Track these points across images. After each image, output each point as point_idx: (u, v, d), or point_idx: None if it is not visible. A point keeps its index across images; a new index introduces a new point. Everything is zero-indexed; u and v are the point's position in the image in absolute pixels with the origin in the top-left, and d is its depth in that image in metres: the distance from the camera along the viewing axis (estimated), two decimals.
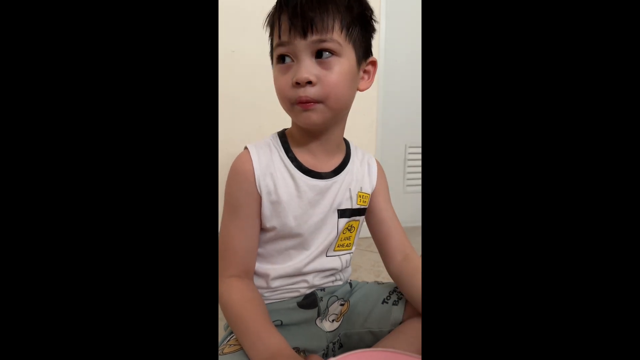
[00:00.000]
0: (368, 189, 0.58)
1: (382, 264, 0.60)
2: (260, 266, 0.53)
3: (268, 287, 0.54)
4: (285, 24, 0.45)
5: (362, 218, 0.59)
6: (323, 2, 0.44)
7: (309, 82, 0.45)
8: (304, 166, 0.52)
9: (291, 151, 0.53)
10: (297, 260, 0.53)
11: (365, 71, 0.52)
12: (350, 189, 0.55)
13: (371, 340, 0.55)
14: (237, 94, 1.22)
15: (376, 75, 0.55)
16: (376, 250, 0.61)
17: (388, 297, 0.57)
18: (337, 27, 0.45)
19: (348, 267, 0.61)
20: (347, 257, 0.59)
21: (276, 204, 0.50)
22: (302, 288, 0.55)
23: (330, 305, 0.58)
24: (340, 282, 0.60)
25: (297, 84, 0.45)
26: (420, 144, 1.60)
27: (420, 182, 1.60)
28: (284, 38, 0.46)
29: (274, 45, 0.49)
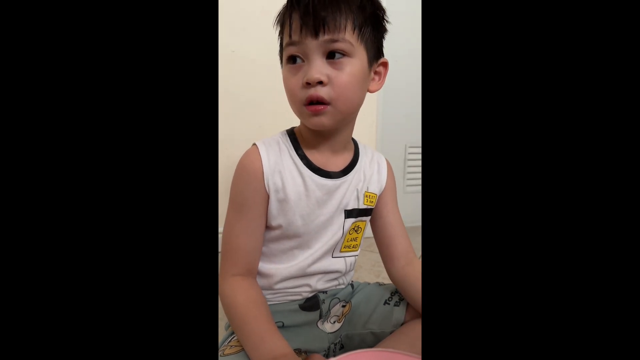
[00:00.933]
0: (376, 189, 0.57)
1: (382, 264, 0.60)
2: (263, 266, 0.53)
3: (271, 289, 0.53)
4: (296, 23, 0.45)
5: (368, 219, 0.59)
6: (335, 2, 0.44)
7: (320, 82, 0.45)
8: (314, 164, 0.51)
9: (301, 149, 0.52)
10: (300, 259, 0.53)
11: (376, 72, 0.51)
12: (357, 189, 0.55)
13: (373, 341, 0.55)
14: (237, 94, 1.22)
15: None
16: (376, 250, 0.61)
17: (390, 299, 0.57)
18: (349, 26, 0.44)
19: (351, 270, 0.60)
20: (352, 259, 0.58)
21: (283, 202, 0.50)
22: (304, 292, 0.55)
23: (332, 307, 0.58)
24: (342, 286, 0.59)
25: (308, 84, 0.45)
26: (420, 144, 1.60)
27: (420, 182, 1.60)
28: (295, 38, 0.45)
29: (284, 44, 0.48)
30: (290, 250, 0.53)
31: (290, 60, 0.47)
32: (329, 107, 0.46)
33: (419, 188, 1.65)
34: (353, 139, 0.58)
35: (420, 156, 1.65)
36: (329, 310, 0.57)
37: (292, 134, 0.54)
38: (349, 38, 0.45)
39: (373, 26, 0.48)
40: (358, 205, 0.55)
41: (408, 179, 1.67)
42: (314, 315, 0.55)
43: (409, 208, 1.50)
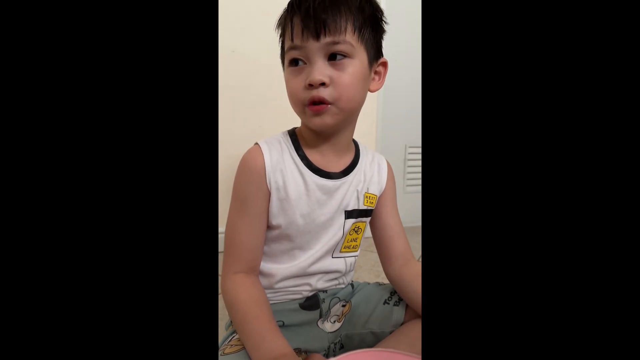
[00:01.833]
0: (376, 190, 0.58)
1: None
2: (264, 265, 0.53)
3: (271, 288, 0.53)
4: (297, 27, 0.45)
5: (368, 219, 0.59)
6: (335, 4, 0.44)
7: (322, 84, 0.45)
8: (314, 165, 0.52)
9: (301, 149, 0.52)
10: (301, 260, 0.53)
11: (376, 72, 0.52)
12: (358, 190, 0.55)
13: (373, 341, 0.55)
14: (237, 94, 1.22)
15: None
16: (376, 250, 0.61)
17: (389, 298, 0.57)
18: (349, 28, 0.45)
19: (352, 270, 0.60)
20: (352, 260, 0.59)
21: (284, 201, 0.50)
22: (305, 291, 0.55)
23: (332, 307, 0.58)
24: (342, 286, 0.60)
25: (310, 86, 0.45)
26: (420, 144, 1.60)
27: (420, 182, 1.60)
28: (297, 42, 0.45)
29: (286, 48, 0.48)
30: (291, 250, 0.53)
31: (292, 62, 0.47)
32: (330, 106, 0.46)
33: (419, 188, 1.65)
34: (354, 140, 0.58)
35: (420, 156, 1.65)
36: (329, 309, 0.57)
37: (293, 134, 0.54)
38: (349, 39, 0.45)
39: (372, 27, 0.48)
40: (358, 206, 0.55)
41: (408, 179, 1.67)
42: (314, 314, 0.56)
43: (409, 208, 1.50)
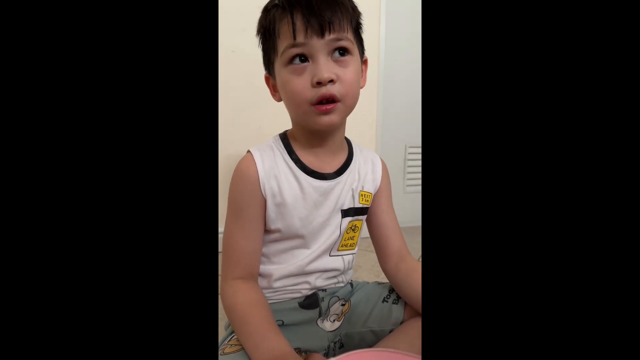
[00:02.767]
0: (371, 188, 0.58)
1: None
2: (262, 266, 0.53)
3: (270, 287, 0.54)
4: (299, 24, 0.45)
5: (364, 218, 0.59)
6: (334, 2, 0.45)
7: (331, 81, 0.45)
8: (308, 167, 0.52)
9: (294, 153, 0.53)
10: (299, 259, 0.53)
11: (363, 70, 0.54)
12: (352, 189, 0.55)
13: (372, 340, 0.55)
14: (237, 94, 1.22)
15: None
16: (373, 248, 0.61)
17: (388, 296, 0.57)
18: (348, 26, 0.47)
19: (350, 269, 0.61)
20: (350, 257, 0.59)
21: (281, 206, 0.50)
22: (304, 289, 0.55)
23: (332, 306, 0.58)
24: (342, 284, 0.60)
25: (319, 84, 0.45)
26: (420, 144, 1.60)
27: (420, 182, 1.60)
28: (300, 39, 0.45)
29: (282, 48, 0.47)
30: (289, 250, 0.53)
31: (292, 61, 0.47)
32: (338, 104, 0.47)
33: (419, 188, 1.65)
34: (347, 139, 0.59)
35: (420, 156, 1.65)
36: (329, 308, 0.57)
37: (284, 138, 0.54)
38: (349, 36, 0.47)
39: (360, 25, 0.51)
40: (354, 204, 0.56)
41: (408, 179, 1.67)
42: (313, 313, 0.56)
43: (408, 208, 1.50)
